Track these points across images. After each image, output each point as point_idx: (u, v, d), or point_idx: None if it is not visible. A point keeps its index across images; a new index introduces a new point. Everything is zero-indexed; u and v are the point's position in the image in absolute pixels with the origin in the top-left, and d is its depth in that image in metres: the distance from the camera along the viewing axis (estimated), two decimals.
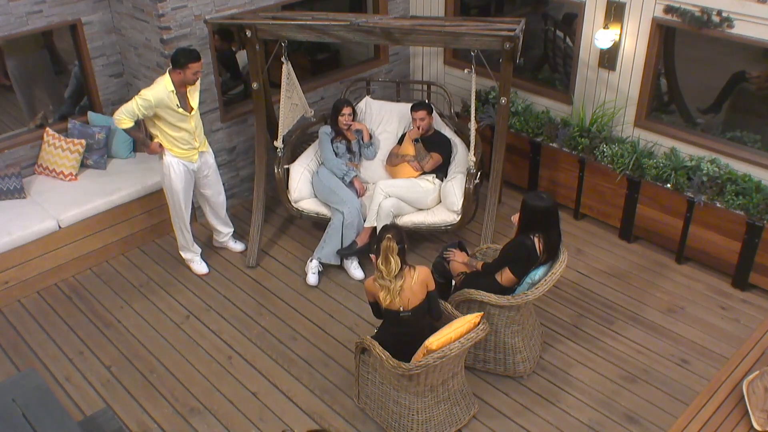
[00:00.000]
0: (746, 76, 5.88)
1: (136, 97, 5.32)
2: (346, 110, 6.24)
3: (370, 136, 6.51)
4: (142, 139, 5.69)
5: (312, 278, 6.03)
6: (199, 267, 6.17)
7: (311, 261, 6.07)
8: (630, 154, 6.06)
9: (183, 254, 6.16)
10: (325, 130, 6.31)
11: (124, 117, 5.35)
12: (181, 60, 5.24)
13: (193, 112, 5.52)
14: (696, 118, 6.23)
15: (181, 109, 5.42)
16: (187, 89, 5.44)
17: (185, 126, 5.51)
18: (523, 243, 4.70)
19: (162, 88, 5.31)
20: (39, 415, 3.81)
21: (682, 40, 5.95)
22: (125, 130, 5.46)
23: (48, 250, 5.94)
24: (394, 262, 4.23)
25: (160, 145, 5.56)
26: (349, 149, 6.33)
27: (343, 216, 5.97)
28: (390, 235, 4.22)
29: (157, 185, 6.40)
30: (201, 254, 6.21)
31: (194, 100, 5.50)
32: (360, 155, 6.47)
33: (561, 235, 4.83)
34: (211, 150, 5.88)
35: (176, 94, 5.35)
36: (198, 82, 5.50)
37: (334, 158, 6.20)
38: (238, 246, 6.40)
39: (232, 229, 6.40)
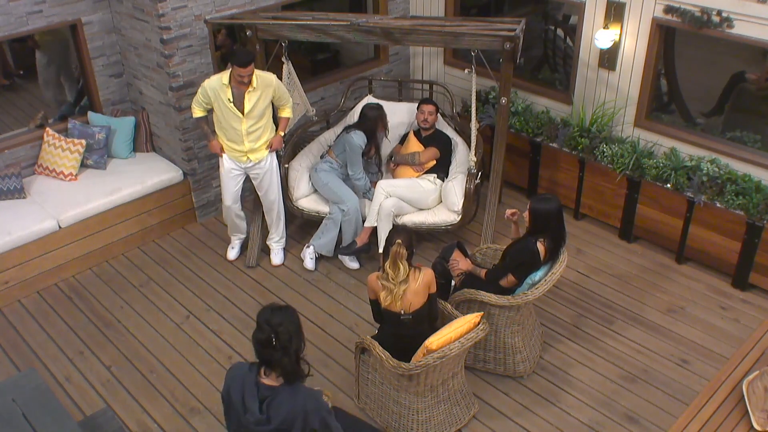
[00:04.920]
0: (746, 76, 5.89)
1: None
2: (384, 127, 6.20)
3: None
4: (206, 132, 5.82)
5: (309, 263, 6.09)
6: (230, 252, 6.33)
7: (307, 248, 6.13)
8: (630, 154, 6.06)
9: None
10: (360, 141, 5.95)
11: (193, 106, 5.65)
12: (232, 58, 5.34)
13: (245, 116, 5.49)
14: (696, 118, 6.23)
15: (231, 104, 5.45)
16: (246, 90, 5.42)
17: (236, 125, 5.53)
18: (530, 249, 4.70)
19: (217, 78, 5.45)
20: (39, 415, 3.81)
21: (682, 40, 5.95)
22: (197, 120, 5.75)
23: (48, 250, 5.94)
24: (403, 268, 4.24)
25: (221, 148, 5.71)
26: (378, 164, 6.32)
27: (344, 213, 5.99)
28: (400, 240, 4.21)
29: (156, 185, 6.41)
30: (241, 244, 6.34)
31: (250, 103, 5.46)
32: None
33: (566, 236, 4.83)
34: (268, 158, 5.80)
35: (231, 88, 5.40)
36: (264, 90, 5.47)
37: (365, 178, 6.04)
38: (276, 258, 6.26)
39: (280, 237, 6.26)
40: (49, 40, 6.58)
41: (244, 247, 6.39)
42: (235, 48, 5.39)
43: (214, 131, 5.75)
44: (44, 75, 6.75)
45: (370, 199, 6.06)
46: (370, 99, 6.79)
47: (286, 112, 5.81)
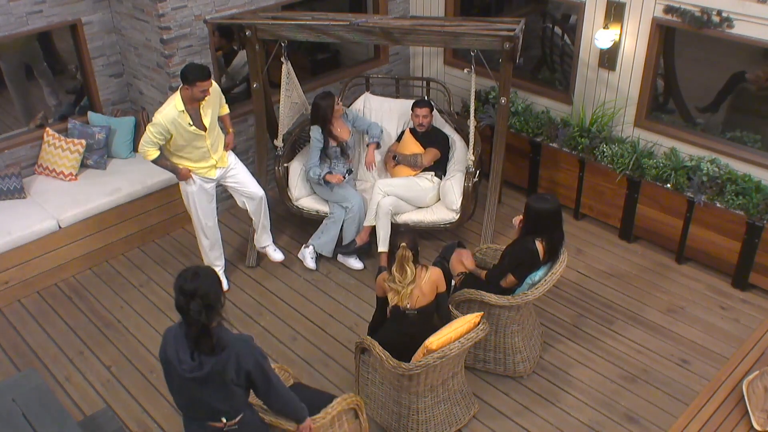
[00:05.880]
0: (746, 76, 5.88)
1: (148, 125, 5.16)
2: (336, 103, 6.05)
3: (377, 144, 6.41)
4: (171, 167, 5.42)
5: (311, 263, 6.11)
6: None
7: (306, 247, 6.14)
8: (630, 154, 6.06)
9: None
10: (316, 134, 6.04)
11: (147, 149, 5.21)
12: (189, 77, 5.02)
13: (207, 131, 5.31)
14: (696, 118, 6.23)
15: (193, 128, 5.21)
16: (200, 106, 5.22)
17: (200, 144, 5.33)
18: (528, 248, 4.69)
19: (171, 108, 5.11)
20: (39, 415, 3.82)
21: (682, 40, 5.95)
22: (154, 162, 5.29)
23: (48, 250, 5.94)
24: (410, 270, 4.24)
25: (189, 170, 5.43)
26: (343, 151, 6.23)
27: (347, 211, 5.99)
28: (405, 243, 4.20)
29: (156, 185, 6.40)
30: (224, 269, 6.00)
31: (207, 117, 5.25)
32: (354, 151, 6.39)
33: (564, 236, 4.82)
34: (230, 156, 5.66)
35: (187, 112, 5.15)
36: (214, 99, 5.32)
37: (315, 167, 6.01)
38: (277, 255, 6.15)
39: (268, 233, 6.12)
40: (13, 50, 6.51)
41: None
42: (187, 65, 5.16)
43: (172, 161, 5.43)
44: (13, 84, 6.69)
45: (322, 183, 6.01)
46: (368, 96, 6.80)
47: (226, 109, 5.65)
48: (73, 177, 6.36)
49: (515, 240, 4.88)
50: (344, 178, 6.07)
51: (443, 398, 4.54)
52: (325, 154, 6.14)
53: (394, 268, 4.26)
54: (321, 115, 6.00)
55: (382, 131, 6.44)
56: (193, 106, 5.18)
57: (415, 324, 4.36)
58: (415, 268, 4.28)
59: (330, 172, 6.05)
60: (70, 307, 5.85)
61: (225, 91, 6.84)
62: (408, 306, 4.31)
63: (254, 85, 6.06)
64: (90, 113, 6.61)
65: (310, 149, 6.15)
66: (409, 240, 4.24)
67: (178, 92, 5.16)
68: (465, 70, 5.85)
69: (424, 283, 4.31)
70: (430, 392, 4.45)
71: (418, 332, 4.32)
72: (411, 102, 6.59)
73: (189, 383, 3.36)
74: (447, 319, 4.48)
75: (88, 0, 6.24)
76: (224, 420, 3.45)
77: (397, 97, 6.92)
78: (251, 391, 3.50)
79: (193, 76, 5.02)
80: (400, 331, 4.40)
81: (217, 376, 3.31)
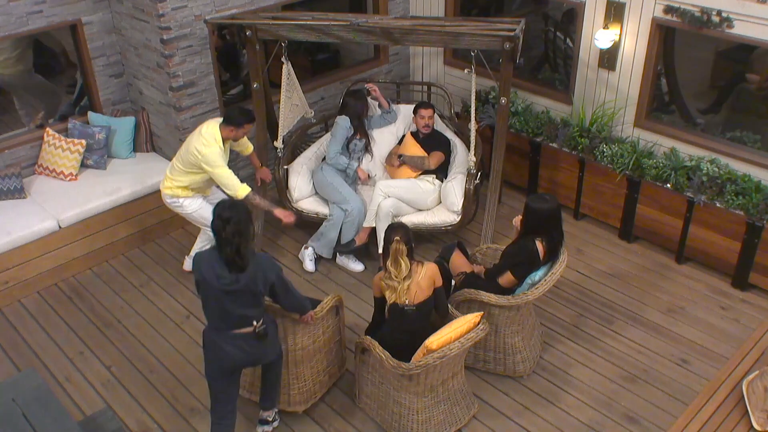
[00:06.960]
0: (746, 76, 5.89)
1: (213, 167, 5.23)
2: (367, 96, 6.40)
3: (389, 104, 6.61)
4: (267, 205, 5.57)
5: (309, 265, 6.12)
6: None
7: (306, 249, 6.14)
8: (630, 154, 6.06)
9: None
10: (345, 123, 6.17)
11: (236, 181, 5.31)
12: (239, 120, 5.25)
13: None
14: (696, 118, 6.23)
15: None
16: (227, 144, 5.43)
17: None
18: (527, 247, 4.70)
19: (216, 147, 5.26)
20: (39, 415, 3.82)
21: (683, 40, 5.95)
22: (246, 197, 5.32)
23: (48, 250, 5.94)
24: (404, 264, 4.25)
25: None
26: (366, 147, 6.32)
27: (346, 213, 5.99)
28: (398, 237, 4.22)
29: (156, 185, 6.37)
30: None
31: (227, 156, 5.43)
32: (372, 153, 6.51)
33: (564, 235, 4.83)
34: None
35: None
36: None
37: (338, 153, 6.12)
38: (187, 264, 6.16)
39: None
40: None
41: None
42: (232, 108, 5.39)
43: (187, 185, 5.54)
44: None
45: (351, 173, 6.17)
46: (368, 100, 6.80)
47: (250, 148, 5.95)
48: (73, 177, 6.37)
49: (515, 240, 4.89)
50: (369, 177, 6.31)
51: (443, 398, 4.54)
52: (346, 146, 6.19)
53: (388, 263, 4.27)
54: (356, 111, 6.23)
55: (396, 118, 6.70)
56: (226, 141, 5.42)
57: (414, 320, 4.36)
58: (410, 263, 4.29)
59: (359, 165, 6.28)
60: (70, 307, 5.85)
61: (224, 91, 6.85)
62: (406, 302, 4.31)
63: (254, 86, 6.06)
64: (90, 113, 6.61)
65: (333, 136, 6.19)
66: (402, 234, 4.25)
67: (216, 129, 5.29)
68: (465, 71, 5.85)
69: (421, 278, 4.32)
70: (430, 392, 4.46)
71: (418, 329, 4.33)
72: (411, 106, 6.60)
73: (225, 296, 3.92)
74: (445, 314, 4.49)
75: (88, 0, 6.24)
76: (255, 323, 4.04)
77: (398, 102, 6.92)
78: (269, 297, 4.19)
79: (243, 119, 5.29)
80: (400, 328, 4.40)
81: (249, 289, 3.92)
